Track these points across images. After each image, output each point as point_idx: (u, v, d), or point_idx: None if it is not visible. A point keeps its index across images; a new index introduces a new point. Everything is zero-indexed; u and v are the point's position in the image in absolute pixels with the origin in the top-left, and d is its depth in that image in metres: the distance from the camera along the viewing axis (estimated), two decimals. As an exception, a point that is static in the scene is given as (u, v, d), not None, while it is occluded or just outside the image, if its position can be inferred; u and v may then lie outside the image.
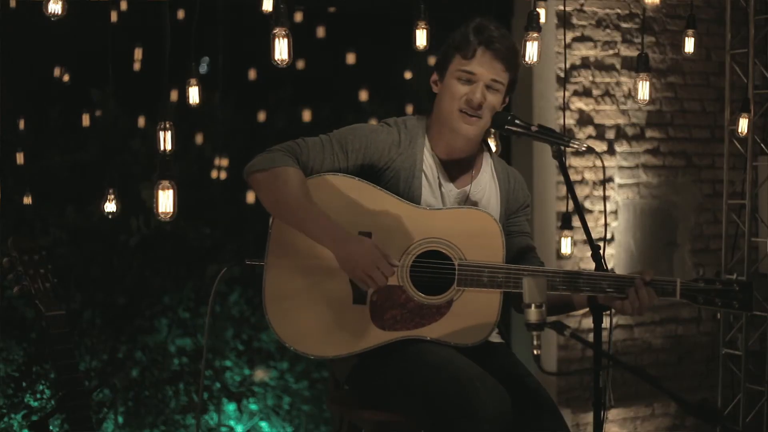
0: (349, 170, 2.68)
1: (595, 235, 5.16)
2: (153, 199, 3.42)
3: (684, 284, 2.60)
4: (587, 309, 2.68)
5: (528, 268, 2.64)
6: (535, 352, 2.26)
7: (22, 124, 5.95)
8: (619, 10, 5.31)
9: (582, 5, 5.23)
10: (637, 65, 4.03)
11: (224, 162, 6.33)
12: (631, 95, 5.31)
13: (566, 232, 4.81)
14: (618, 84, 5.32)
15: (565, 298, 2.71)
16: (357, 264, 2.54)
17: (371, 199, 2.66)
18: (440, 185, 2.74)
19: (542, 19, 3.79)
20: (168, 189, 3.41)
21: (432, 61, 3.02)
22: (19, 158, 5.63)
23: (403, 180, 2.69)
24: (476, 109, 2.67)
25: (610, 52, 5.30)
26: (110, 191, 4.33)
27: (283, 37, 3.15)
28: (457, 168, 2.79)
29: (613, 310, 2.62)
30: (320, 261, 2.63)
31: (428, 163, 2.75)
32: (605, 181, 5.22)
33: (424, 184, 2.72)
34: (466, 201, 2.77)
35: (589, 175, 5.24)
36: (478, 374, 2.49)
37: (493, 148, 4.05)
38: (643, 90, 4.01)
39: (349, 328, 2.62)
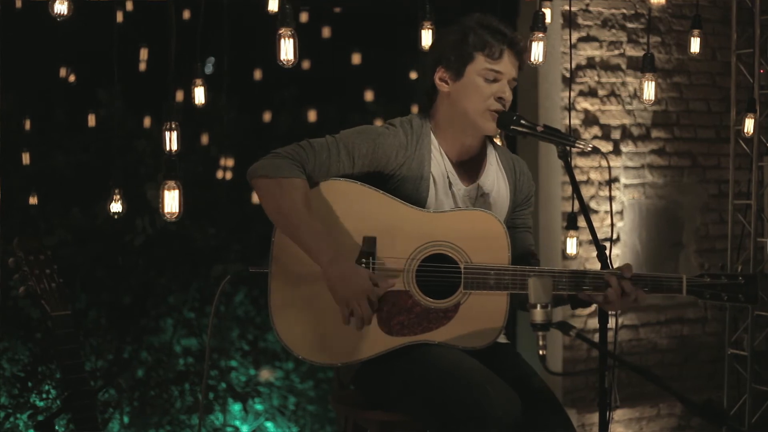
0: (354, 176, 2.65)
1: (600, 236, 5.15)
2: (158, 200, 3.43)
3: (690, 280, 2.59)
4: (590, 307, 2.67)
5: (534, 269, 2.63)
6: (540, 352, 2.25)
7: (27, 125, 5.97)
8: (624, 10, 5.30)
9: (587, 5, 5.22)
10: (643, 65, 4.02)
11: (230, 162, 6.34)
12: (636, 95, 5.30)
13: (572, 232, 4.80)
14: (623, 84, 5.31)
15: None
16: (344, 290, 2.51)
17: (375, 204, 2.64)
18: (450, 185, 2.72)
19: (548, 20, 3.78)
20: (173, 189, 3.42)
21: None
22: (25, 158, 5.66)
23: (410, 182, 2.67)
24: (505, 106, 2.69)
25: (616, 52, 5.29)
26: (116, 191, 4.34)
27: (288, 38, 3.15)
28: (467, 166, 2.77)
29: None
30: None
31: (437, 164, 2.72)
32: (611, 182, 5.21)
33: (432, 185, 2.69)
34: (479, 196, 2.75)
35: (594, 176, 5.24)
36: (487, 377, 2.49)
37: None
38: (649, 90, 4.00)
39: (356, 335, 2.60)
